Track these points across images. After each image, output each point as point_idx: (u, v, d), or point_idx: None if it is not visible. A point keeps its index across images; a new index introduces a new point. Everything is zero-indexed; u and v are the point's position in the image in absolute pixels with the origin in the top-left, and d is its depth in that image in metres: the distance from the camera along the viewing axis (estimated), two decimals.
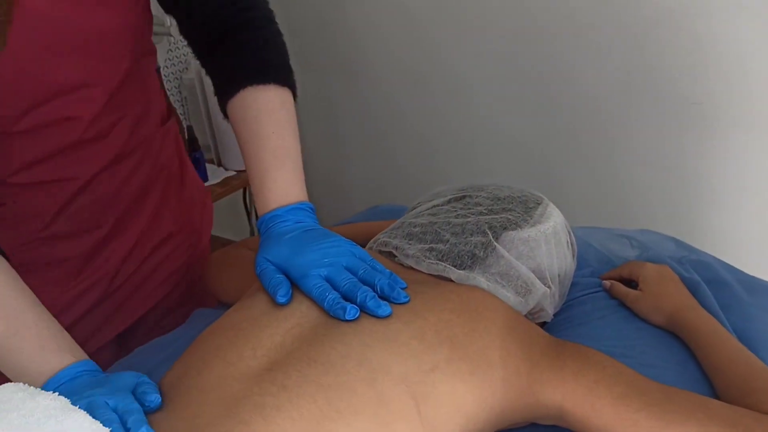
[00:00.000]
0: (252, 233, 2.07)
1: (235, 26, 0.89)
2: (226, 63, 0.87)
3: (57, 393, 0.57)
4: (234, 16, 0.89)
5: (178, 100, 1.70)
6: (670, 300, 0.88)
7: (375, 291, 0.73)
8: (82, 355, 0.70)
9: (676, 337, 0.86)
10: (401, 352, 0.66)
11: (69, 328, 0.93)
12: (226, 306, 1.02)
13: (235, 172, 1.68)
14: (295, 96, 0.89)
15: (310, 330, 0.70)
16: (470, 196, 0.91)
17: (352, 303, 0.71)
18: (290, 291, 0.75)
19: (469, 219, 0.87)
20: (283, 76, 0.87)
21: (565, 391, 0.69)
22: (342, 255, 0.77)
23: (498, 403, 0.68)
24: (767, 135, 1.31)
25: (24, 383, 0.60)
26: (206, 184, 1.63)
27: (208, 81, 1.62)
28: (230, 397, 0.62)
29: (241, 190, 1.91)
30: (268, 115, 0.84)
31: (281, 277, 0.76)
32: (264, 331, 0.70)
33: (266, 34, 0.90)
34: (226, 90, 0.87)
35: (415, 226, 0.88)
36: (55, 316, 0.87)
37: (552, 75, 1.53)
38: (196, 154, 1.59)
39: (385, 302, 0.71)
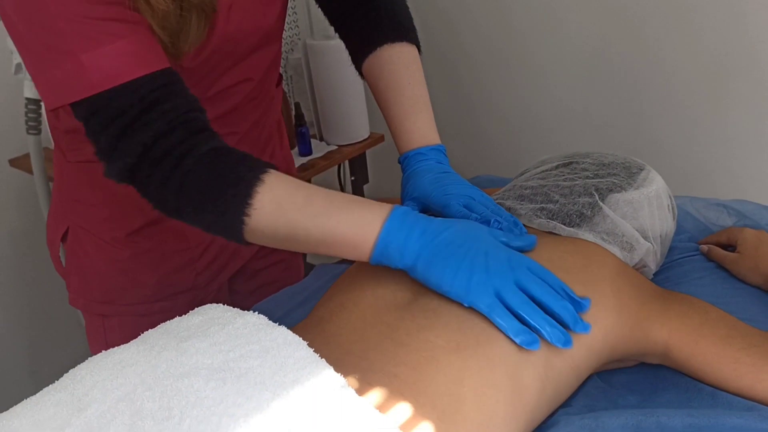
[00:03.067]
0: None
1: None
2: (363, 25, 1.00)
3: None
4: None
5: (284, 79, 1.81)
6: (767, 262, 0.94)
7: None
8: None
9: None
10: None
11: (205, 269, 1.08)
12: (346, 261, 1.12)
13: (336, 147, 1.79)
14: (420, 52, 1.02)
15: None
16: (577, 162, 0.99)
17: None
18: None
19: (576, 182, 0.94)
20: (412, 35, 1.01)
21: (671, 330, 0.77)
22: (476, 193, 0.89)
23: (612, 328, 0.76)
24: None
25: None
26: (310, 157, 1.74)
27: (313, 60, 1.74)
28: (387, 324, 0.73)
29: (336, 167, 2.01)
30: (404, 68, 0.97)
31: None
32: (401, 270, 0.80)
33: None
34: (363, 49, 1.00)
35: (525, 189, 0.96)
36: (197, 259, 1.02)
37: (641, 58, 1.56)
38: (302, 129, 1.71)
39: (516, 230, 0.84)
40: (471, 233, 0.76)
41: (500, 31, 1.79)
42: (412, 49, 1.00)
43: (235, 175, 0.76)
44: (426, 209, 0.91)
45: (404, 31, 1.00)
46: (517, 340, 0.70)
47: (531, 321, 0.70)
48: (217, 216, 0.77)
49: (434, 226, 0.75)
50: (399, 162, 0.98)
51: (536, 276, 0.73)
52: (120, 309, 1.08)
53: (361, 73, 1.03)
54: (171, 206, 0.79)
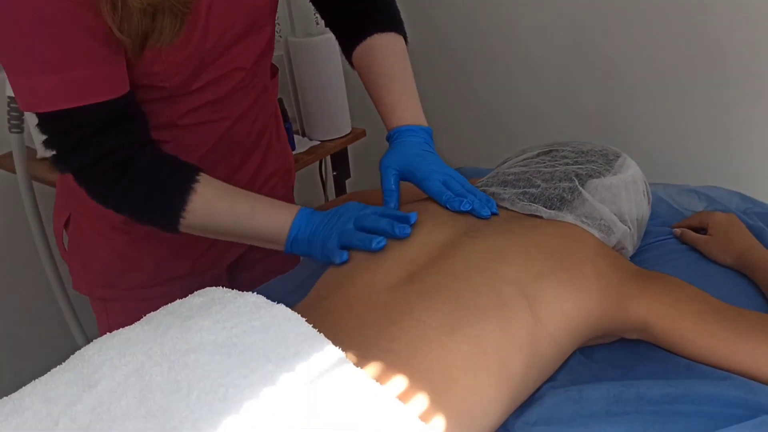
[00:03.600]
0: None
1: None
2: (354, 15, 1.06)
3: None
4: None
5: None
6: (737, 243, 0.98)
7: None
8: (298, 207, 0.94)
9: (743, 275, 0.97)
10: (511, 262, 0.80)
11: (203, 254, 1.12)
12: None
13: (319, 142, 1.81)
14: (407, 44, 1.08)
15: (435, 249, 0.84)
16: (557, 150, 1.03)
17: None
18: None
19: (557, 168, 0.98)
20: (400, 27, 1.07)
21: (649, 306, 0.81)
22: (456, 174, 0.96)
23: (594, 309, 0.80)
24: None
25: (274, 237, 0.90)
26: (294, 152, 1.76)
27: (295, 57, 1.76)
28: (382, 302, 0.76)
29: (317, 162, 2.04)
30: (394, 56, 1.04)
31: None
32: (397, 251, 0.84)
33: None
34: (354, 38, 1.05)
35: (509, 175, 1.00)
36: (194, 244, 1.05)
37: (615, 47, 1.61)
38: (286, 124, 1.73)
39: (488, 207, 0.91)
40: (340, 211, 0.92)
41: (481, 24, 1.83)
42: (401, 39, 1.06)
43: (172, 184, 0.90)
44: (406, 179, 0.97)
45: (393, 22, 1.06)
46: (340, 261, 0.86)
47: (360, 245, 0.86)
48: (156, 218, 0.92)
49: (321, 216, 0.92)
50: (387, 139, 1.02)
51: (370, 213, 0.89)
52: (120, 293, 1.11)
53: (350, 62, 1.08)
54: (111, 205, 0.92)
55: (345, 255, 0.86)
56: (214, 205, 0.91)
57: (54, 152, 0.88)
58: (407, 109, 1.02)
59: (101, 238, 1.08)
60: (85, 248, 1.10)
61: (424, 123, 1.03)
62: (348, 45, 1.07)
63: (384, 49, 1.04)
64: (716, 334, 0.78)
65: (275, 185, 1.22)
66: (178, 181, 0.91)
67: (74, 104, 0.83)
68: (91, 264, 1.11)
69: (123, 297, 1.11)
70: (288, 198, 1.29)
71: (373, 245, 0.84)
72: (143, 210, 0.92)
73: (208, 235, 0.95)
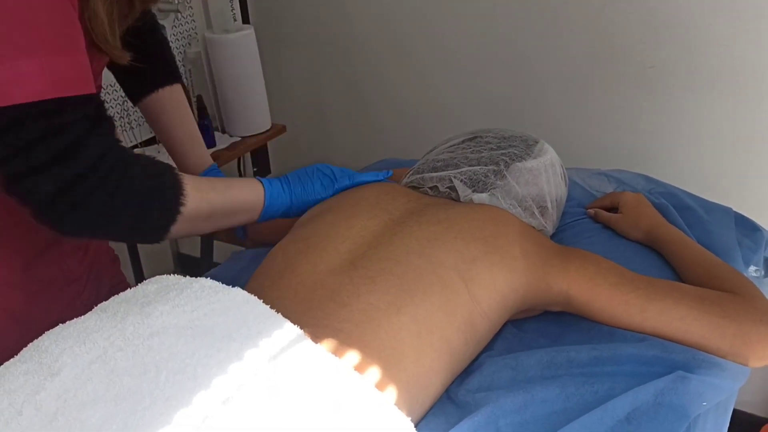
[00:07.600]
0: None
1: (150, 26, 1.12)
2: (148, 66, 1.05)
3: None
4: (149, 17, 1.12)
5: (183, 73, 1.81)
6: (645, 219, 1.07)
7: None
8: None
9: (651, 249, 1.06)
10: (448, 248, 0.84)
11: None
12: (264, 245, 1.16)
13: (239, 138, 1.81)
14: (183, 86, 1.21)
15: (372, 237, 0.87)
16: (480, 137, 1.09)
17: None
18: None
19: (482, 154, 1.04)
20: (180, 75, 1.17)
21: (570, 280, 0.88)
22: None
23: (522, 286, 0.86)
24: (709, 94, 1.52)
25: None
26: (215, 149, 1.75)
27: (213, 54, 1.75)
28: (328, 287, 0.79)
29: (236, 158, 2.03)
30: (184, 104, 1.17)
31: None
32: (335, 242, 0.87)
33: (163, 36, 1.17)
34: (146, 87, 1.13)
35: (437, 162, 1.05)
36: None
37: (525, 45, 1.70)
38: (205, 121, 1.72)
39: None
40: (308, 168, 1.05)
41: (397, 23, 1.87)
42: (180, 87, 1.17)
43: (162, 190, 0.83)
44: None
45: (178, 73, 1.17)
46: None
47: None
48: (155, 214, 0.82)
49: (289, 176, 1.04)
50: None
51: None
52: None
53: (134, 103, 1.15)
54: (93, 222, 0.76)
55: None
56: (200, 187, 0.87)
57: (27, 167, 0.69)
58: (204, 154, 1.19)
59: None
60: None
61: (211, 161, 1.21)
62: (137, 91, 1.14)
63: (175, 99, 1.15)
64: (630, 302, 0.85)
65: None
66: (164, 169, 0.84)
67: (61, 94, 0.68)
68: None
69: None
70: None
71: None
72: (140, 209, 0.79)
73: (198, 224, 0.88)
